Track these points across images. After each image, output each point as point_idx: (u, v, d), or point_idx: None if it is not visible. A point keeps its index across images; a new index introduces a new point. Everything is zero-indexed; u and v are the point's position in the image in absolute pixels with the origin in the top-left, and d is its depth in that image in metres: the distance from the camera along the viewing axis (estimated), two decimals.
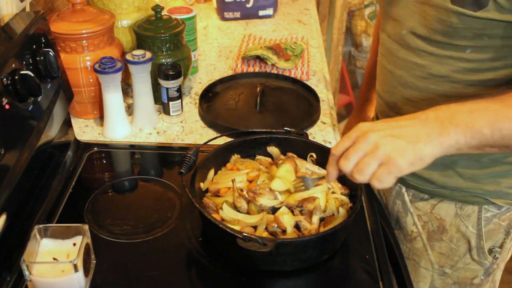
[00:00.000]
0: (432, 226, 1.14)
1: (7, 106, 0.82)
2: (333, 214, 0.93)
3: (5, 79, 0.82)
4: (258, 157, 1.07)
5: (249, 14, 1.91)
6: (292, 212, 0.91)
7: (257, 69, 1.53)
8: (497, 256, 1.13)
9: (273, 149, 1.08)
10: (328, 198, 0.94)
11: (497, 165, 1.03)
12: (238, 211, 0.93)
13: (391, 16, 1.03)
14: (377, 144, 0.75)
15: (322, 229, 0.90)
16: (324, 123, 1.32)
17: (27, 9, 1.16)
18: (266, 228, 0.89)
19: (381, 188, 0.73)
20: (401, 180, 1.17)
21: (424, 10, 0.94)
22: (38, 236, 0.85)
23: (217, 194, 0.98)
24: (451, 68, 0.95)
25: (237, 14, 1.91)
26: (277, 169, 0.98)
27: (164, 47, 1.28)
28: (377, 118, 1.24)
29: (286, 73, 1.51)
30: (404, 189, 1.17)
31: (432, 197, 1.13)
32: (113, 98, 1.19)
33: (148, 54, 1.21)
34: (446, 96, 0.98)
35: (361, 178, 0.76)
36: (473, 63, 0.93)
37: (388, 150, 0.74)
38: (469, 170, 1.05)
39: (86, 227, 0.84)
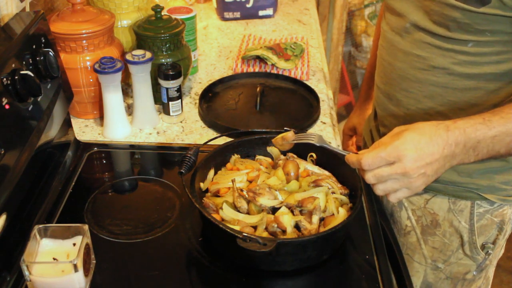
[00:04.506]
0: (426, 221, 1.15)
1: (7, 106, 0.82)
2: (333, 214, 0.93)
3: (5, 79, 0.82)
4: (258, 157, 1.07)
5: (249, 14, 1.91)
6: (292, 212, 0.91)
7: (257, 69, 1.53)
8: (489, 252, 1.14)
9: (273, 149, 1.08)
10: (328, 198, 0.94)
11: (492, 161, 1.04)
12: (238, 211, 0.93)
13: (394, 10, 1.03)
14: (411, 181, 0.81)
15: (322, 229, 0.90)
16: (324, 123, 1.32)
17: (27, 9, 1.16)
18: (266, 228, 0.89)
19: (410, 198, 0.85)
20: None
21: (427, 5, 0.95)
22: (38, 236, 0.85)
23: (217, 194, 0.98)
24: (451, 61, 0.96)
25: (237, 14, 1.90)
26: (287, 184, 0.98)
27: (164, 47, 1.28)
28: (375, 111, 1.24)
29: (286, 73, 1.51)
30: None
31: (426, 192, 1.14)
32: (113, 98, 1.19)
33: (148, 54, 1.21)
34: (446, 88, 1.00)
35: (380, 193, 0.84)
36: (474, 57, 0.94)
37: (417, 185, 0.82)
38: (464, 164, 1.05)
39: (86, 227, 0.84)
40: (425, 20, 0.96)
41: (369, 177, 0.82)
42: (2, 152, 0.78)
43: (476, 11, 0.88)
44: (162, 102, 1.28)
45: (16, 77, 0.84)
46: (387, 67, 1.10)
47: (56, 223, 0.97)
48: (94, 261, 0.88)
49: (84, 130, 1.27)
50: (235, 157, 1.06)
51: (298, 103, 1.38)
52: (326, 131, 1.29)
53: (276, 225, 0.89)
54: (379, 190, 0.83)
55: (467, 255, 1.15)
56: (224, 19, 1.92)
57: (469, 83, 0.97)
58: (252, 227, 0.90)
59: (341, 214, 0.92)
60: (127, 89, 1.41)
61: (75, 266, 0.79)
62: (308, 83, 1.46)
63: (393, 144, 0.80)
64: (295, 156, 1.05)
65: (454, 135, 0.82)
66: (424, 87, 1.02)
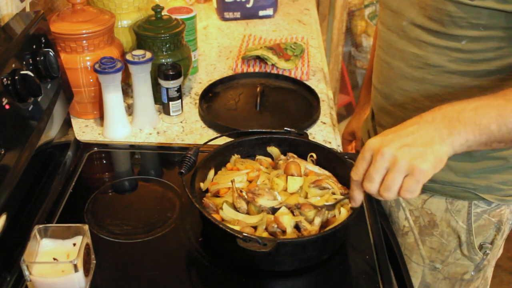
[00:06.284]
0: (423, 221, 1.15)
1: (7, 106, 0.82)
2: (334, 215, 0.93)
3: (5, 79, 0.82)
4: (258, 157, 1.07)
5: (249, 14, 1.91)
6: (292, 212, 0.91)
7: (257, 69, 1.53)
8: (487, 252, 1.14)
9: (273, 149, 1.08)
10: (328, 199, 0.94)
11: (488, 159, 1.04)
12: (238, 211, 0.93)
13: (391, 8, 1.04)
14: (395, 157, 0.74)
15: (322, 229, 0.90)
16: (324, 123, 1.32)
17: (27, 9, 1.16)
18: (266, 229, 0.89)
19: (412, 198, 0.75)
20: None
21: (423, 1, 0.95)
22: (38, 236, 0.85)
23: (217, 194, 0.98)
24: (447, 58, 0.97)
25: (237, 14, 1.91)
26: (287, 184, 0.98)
27: (164, 47, 1.28)
28: (372, 112, 1.24)
29: (286, 73, 1.51)
30: None
31: (423, 192, 1.13)
32: (113, 98, 1.19)
33: (148, 54, 1.21)
34: (442, 87, 1.00)
35: (389, 195, 0.76)
36: (469, 54, 0.95)
37: (409, 160, 0.73)
38: (461, 163, 1.06)
39: (86, 227, 0.84)
40: (420, 16, 0.97)
41: (367, 186, 0.78)
42: (2, 152, 0.78)
43: (470, 4, 0.88)
44: (162, 102, 1.28)
45: (16, 77, 0.84)
46: (385, 66, 1.10)
47: (56, 223, 0.97)
48: (94, 261, 0.88)
49: (84, 130, 1.27)
50: (235, 157, 1.06)
51: (298, 103, 1.38)
52: (326, 131, 1.29)
53: (276, 226, 0.89)
54: (384, 192, 0.77)
55: (465, 256, 1.15)
56: (224, 19, 1.92)
57: (464, 80, 0.97)
58: (252, 227, 0.90)
59: (341, 214, 0.92)
60: (127, 89, 1.41)
61: (75, 266, 0.79)
62: (308, 83, 1.46)
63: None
64: (295, 156, 1.05)
65: (428, 113, 0.78)
66: (420, 85, 1.03)
